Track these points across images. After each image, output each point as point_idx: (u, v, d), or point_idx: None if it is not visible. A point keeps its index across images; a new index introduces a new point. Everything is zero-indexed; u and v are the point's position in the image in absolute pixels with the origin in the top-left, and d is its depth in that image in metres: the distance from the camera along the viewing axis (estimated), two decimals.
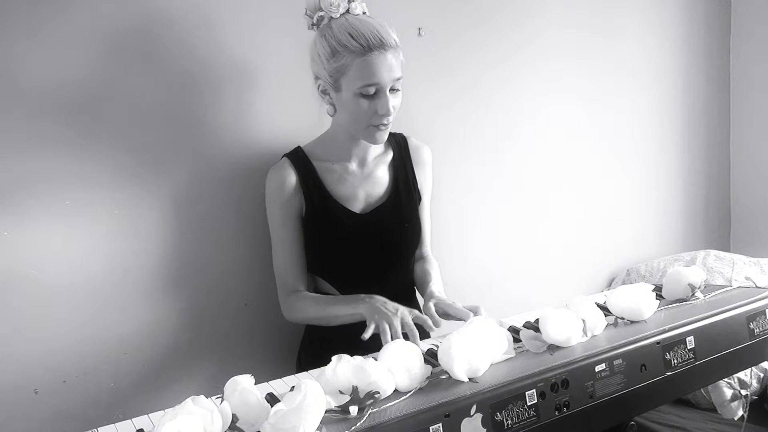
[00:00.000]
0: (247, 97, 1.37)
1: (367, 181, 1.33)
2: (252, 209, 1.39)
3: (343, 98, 1.22)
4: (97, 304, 1.23)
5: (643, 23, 2.11)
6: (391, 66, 1.19)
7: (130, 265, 1.26)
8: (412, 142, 1.41)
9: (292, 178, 1.28)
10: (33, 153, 1.16)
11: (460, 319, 1.16)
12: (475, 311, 1.16)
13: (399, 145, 1.40)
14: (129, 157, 1.25)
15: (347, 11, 1.21)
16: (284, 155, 1.33)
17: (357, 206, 1.32)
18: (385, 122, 1.23)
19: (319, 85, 1.26)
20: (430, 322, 1.13)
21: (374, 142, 1.27)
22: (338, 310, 1.23)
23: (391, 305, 1.15)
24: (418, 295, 1.42)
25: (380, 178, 1.35)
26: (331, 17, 1.20)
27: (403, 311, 1.14)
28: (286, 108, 1.42)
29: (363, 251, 1.31)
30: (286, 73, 1.41)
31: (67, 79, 1.18)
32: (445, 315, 1.19)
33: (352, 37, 1.17)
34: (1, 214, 1.14)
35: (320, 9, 1.21)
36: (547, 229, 1.91)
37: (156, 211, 1.29)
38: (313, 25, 1.24)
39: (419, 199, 1.40)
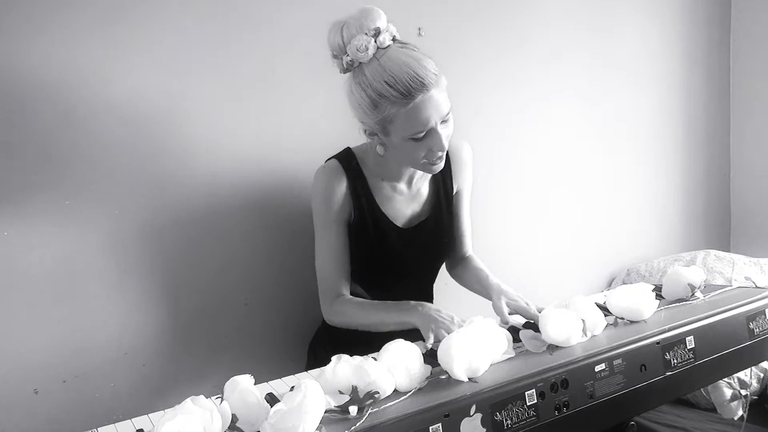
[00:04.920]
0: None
1: (413, 199, 1.33)
2: (253, 209, 1.39)
3: (393, 141, 1.16)
4: (97, 304, 1.23)
5: (644, 23, 2.11)
6: (437, 105, 1.11)
7: (130, 265, 1.26)
8: (451, 143, 1.35)
9: (343, 184, 1.25)
10: (33, 153, 1.16)
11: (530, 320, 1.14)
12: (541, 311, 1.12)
13: None
14: (128, 157, 1.25)
15: (377, 50, 1.10)
16: (334, 157, 1.28)
17: (401, 221, 1.31)
18: (440, 155, 1.17)
19: (365, 130, 1.20)
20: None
21: (431, 172, 1.22)
22: (387, 317, 1.19)
23: (446, 313, 1.13)
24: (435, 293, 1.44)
25: (423, 194, 1.34)
26: (361, 63, 1.11)
27: (459, 320, 1.11)
28: (291, 111, 1.42)
29: (402, 263, 1.32)
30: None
31: (68, 79, 1.18)
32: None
33: (389, 85, 1.08)
34: (1, 214, 1.14)
35: (346, 53, 1.11)
36: (546, 229, 1.91)
37: (156, 212, 1.28)
38: (345, 70, 1.15)
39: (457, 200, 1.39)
